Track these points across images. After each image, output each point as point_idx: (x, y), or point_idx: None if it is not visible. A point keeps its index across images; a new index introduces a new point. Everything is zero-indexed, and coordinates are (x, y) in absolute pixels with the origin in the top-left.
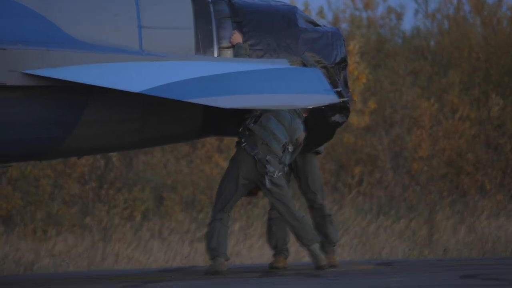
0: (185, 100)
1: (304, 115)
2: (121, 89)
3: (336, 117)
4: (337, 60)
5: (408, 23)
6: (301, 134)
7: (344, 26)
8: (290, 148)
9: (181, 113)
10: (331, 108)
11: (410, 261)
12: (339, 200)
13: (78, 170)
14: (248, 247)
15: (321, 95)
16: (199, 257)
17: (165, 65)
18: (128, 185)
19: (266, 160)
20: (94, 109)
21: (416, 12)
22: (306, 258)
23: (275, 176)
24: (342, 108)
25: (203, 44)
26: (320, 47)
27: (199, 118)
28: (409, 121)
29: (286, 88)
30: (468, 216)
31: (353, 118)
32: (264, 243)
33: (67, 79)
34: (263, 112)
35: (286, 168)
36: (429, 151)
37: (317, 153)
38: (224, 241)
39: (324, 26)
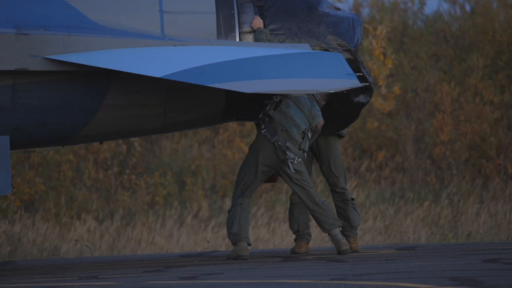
0: (207, 85)
1: (323, 103)
2: (143, 74)
3: (361, 98)
4: (358, 44)
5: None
6: (320, 120)
7: (365, 11)
8: (309, 134)
9: (203, 98)
10: (355, 89)
11: (432, 245)
12: (361, 185)
13: (101, 155)
14: (271, 232)
15: (344, 80)
16: (221, 242)
17: (187, 50)
18: (150, 170)
19: (286, 146)
20: (116, 94)
21: None
22: (328, 243)
23: (295, 162)
24: (366, 88)
25: (225, 29)
26: (342, 31)
27: (222, 102)
28: (430, 105)
29: (308, 72)
30: (490, 200)
31: (378, 103)
32: (286, 228)
33: (89, 64)
34: (283, 98)
35: (305, 154)
36: (451, 135)
37: (340, 136)
38: (245, 226)
39: (344, 11)
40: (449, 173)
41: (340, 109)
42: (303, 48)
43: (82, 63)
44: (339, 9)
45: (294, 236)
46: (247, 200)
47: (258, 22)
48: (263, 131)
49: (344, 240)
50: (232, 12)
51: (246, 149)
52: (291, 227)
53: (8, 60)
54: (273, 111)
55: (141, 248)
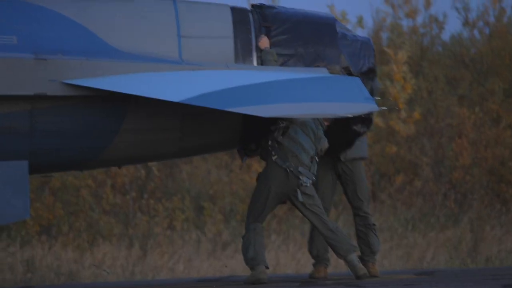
0: (225, 109)
1: (326, 123)
2: (161, 98)
3: (358, 127)
4: (364, 69)
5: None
6: (324, 143)
7: (385, 35)
8: (317, 158)
9: (221, 122)
10: (355, 118)
11: (451, 270)
12: (379, 209)
13: (119, 180)
14: (287, 257)
15: (361, 104)
16: (239, 267)
17: (205, 74)
18: (168, 195)
19: (299, 171)
20: (134, 118)
21: (457, 20)
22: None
23: (308, 185)
24: (365, 119)
25: (243, 53)
26: (347, 54)
27: (239, 127)
28: (450, 130)
29: (326, 96)
30: (510, 225)
31: (399, 127)
32: (303, 253)
33: (107, 89)
34: (289, 124)
35: (314, 179)
36: (470, 160)
37: (362, 158)
38: (261, 250)
39: (356, 35)
40: (469, 198)
41: (336, 134)
42: (321, 72)
43: (100, 87)
44: (349, 30)
45: (311, 260)
46: (259, 225)
47: (265, 42)
48: (274, 158)
49: (361, 264)
50: (250, 36)
51: None
52: (310, 251)
53: (26, 85)
54: (281, 137)
55: (159, 273)
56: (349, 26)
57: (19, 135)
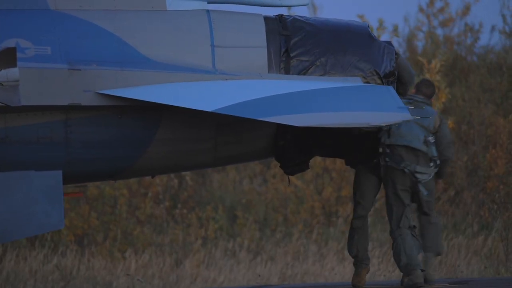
0: (257, 119)
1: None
2: (194, 108)
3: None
4: (386, 72)
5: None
6: (435, 117)
7: (419, 44)
8: (431, 139)
9: (254, 132)
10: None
11: (486, 279)
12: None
13: (153, 189)
14: (322, 265)
15: (395, 113)
16: (273, 276)
17: (238, 84)
18: (201, 204)
19: (416, 171)
20: (167, 128)
21: (492, 29)
22: (380, 277)
23: (428, 179)
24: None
25: (276, 62)
26: (369, 57)
27: (273, 136)
28: (485, 138)
29: (359, 105)
30: None
31: None
32: (338, 262)
33: (141, 99)
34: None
35: (438, 162)
36: (505, 169)
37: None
38: (412, 253)
39: (376, 39)
40: (502, 206)
41: (365, 139)
42: (354, 81)
43: (134, 97)
44: (372, 36)
45: (352, 259)
46: (404, 230)
47: None
48: (388, 163)
49: (433, 273)
50: (280, 45)
51: (298, 182)
52: (349, 251)
53: (61, 95)
54: (388, 139)
55: (193, 283)
56: (385, 35)
57: (54, 145)
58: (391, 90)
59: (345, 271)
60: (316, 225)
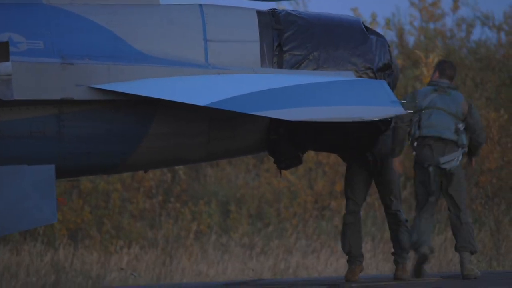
0: (251, 113)
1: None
2: (187, 102)
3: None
4: (379, 65)
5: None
6: (462, 103)
7: (410, 38)
8: (461, 126)
9: (247, 126)
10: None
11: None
12: (406, 212)
13: (146, 183)
14: (315, 259)
15: (388, 107)
16: (266, 270)
17: (231, 78)
18: (194, 199)
19: (441, 163)
20: (161, 122)
21: (483, 24)
22: (371, 271)
23: (458, 163)
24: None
25: (269, 57)
26: (362, 51)
27: (266, 131)
28: None
29: (352, 100)
30: None
31: None
32: (331, 255)
33: (134, 93)
34: (420, 114)
35: (465, 150)
36: (497, 163)
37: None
38: (426, 231)
39: (371, 33)
40: (495, 200)
41: (356, 133)
42: (347, 75)
43: (127, 92)
44: (366, 29)
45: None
46: (424, 214)
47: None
48: (415, 158)
49: (468, 266)
50: (273, 39)
51: (291, 177)
52: (343, 248)
53: (53, 89)
54: (418, 131)
55: (185, 277)
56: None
57: (46, 139)
58: (384, 84)
59: (338, 264)
60: (309, 219)
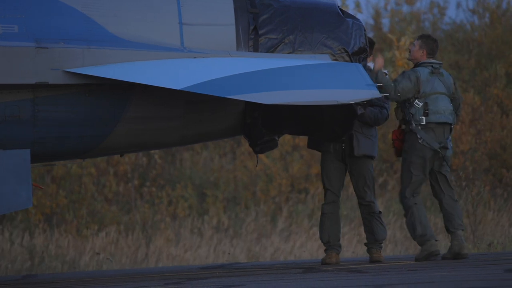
0: (226, 97)
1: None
2: (162, 86)
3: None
4: (355, 49)
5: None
6: (451, 82)
7: (385, 21)
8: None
9: (223, 109)
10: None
11: None
12: (382, 195)
13: (121, 168)
14: (291, 243)
15: (364, 90)
16: (242, 254)
17: (207, 61)
18: (170, 183)
19: (446, 147)
20: (136, 106)
21: (458, 5)
22: (349, 253)
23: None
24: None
25: (244, 40)
26: (337, 34)
27: (241, 114)
28: None
29: (328, 83)
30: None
31: None
32: (307, 239)
33: (109, 77)
34: (427, 99)
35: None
36: (471, 145)
37: (372, 157)
38: (427, 223)
39: (345, 16)
40: (469, 183)
41: (333, 115)
42: (323, 58)
43: (102, 76)
44: (342, 13)
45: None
46: (418, 197)
47: (380, 63)
48: (420, 141)
49: (465, 244)
50: (249, 23)
51: (267, 160)
52: (321, 238)
53: (28, 73)
54: (426, 117)
55: (161, 261)
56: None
57: (21, 124)
58: (359, 67)
59: (313, 248)
60: (285, 203)
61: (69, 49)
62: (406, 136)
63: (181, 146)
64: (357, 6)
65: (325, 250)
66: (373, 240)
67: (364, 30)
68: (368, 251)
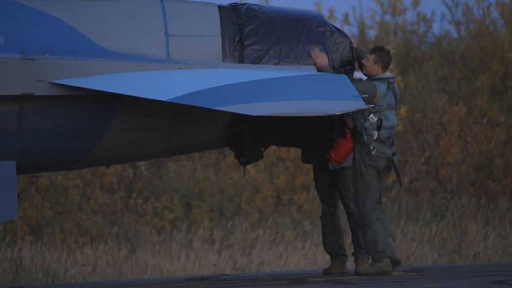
0: (212, 108)
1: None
2: (149, 97)
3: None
4: (340, 61)
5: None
6: (399, 95)
7: (372, 32)
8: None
9: (209, 121)
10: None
11: (439, 267)
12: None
13: (107, 179)
14: (277, 254)
15: (349, 101)
16: (228, 266)
17: (193, 73)
18: (156, 194)
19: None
20: (122, 118)
21: (443, 17)
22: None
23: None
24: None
25: (230, 52)
26: (322, 46)
27: (227, 126)
28: (439, 127)
29: (313, 94)
30: (497, 222)
31: None
32: (291, 250)
33: (95, 89)
34: (380, 114)
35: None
36: (457, 157)
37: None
38: (389, 240)
39: (331, 29)
40: (455, 195)
41: (318, 130)
42: (308, 70)
43: (88, 87)
44: (327, 25)
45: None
46: (381, 211)
47: (323, 58)
48: (373, 152)
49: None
50: (234, 34)
51: (253, 172)
52: (325, 249)
53: (14, 85)
54: (378, 132)
55: (147, 272)
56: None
57: (7, 135)
58: (345, 78)
59: (299, 260)
60: (271, 214)
61: (55, 61)
62: (357, 148)
63: (167, 157)
64: (346, 18)
65: (330, 260)
66: (359, 249)
67: (351, 43)
68: (355, 261)
